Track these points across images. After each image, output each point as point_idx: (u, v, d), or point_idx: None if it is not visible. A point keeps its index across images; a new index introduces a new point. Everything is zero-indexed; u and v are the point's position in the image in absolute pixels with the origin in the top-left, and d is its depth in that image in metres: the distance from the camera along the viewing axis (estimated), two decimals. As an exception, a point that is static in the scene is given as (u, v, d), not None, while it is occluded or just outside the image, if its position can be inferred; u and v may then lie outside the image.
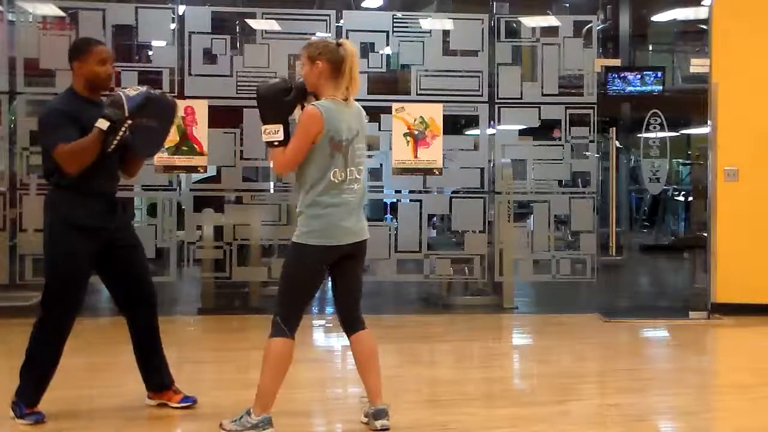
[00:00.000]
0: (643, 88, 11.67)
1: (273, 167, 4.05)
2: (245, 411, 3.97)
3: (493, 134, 8.29)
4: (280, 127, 3.92)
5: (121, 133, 4.03)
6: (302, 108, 4.02)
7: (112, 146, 4.05)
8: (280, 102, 3.97)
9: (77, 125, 4.08)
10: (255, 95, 4.02)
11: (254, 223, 7.82)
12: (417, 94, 7.94)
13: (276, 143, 3.93)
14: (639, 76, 11.87)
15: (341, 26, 7.92)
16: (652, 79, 11.81)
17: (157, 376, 4.51)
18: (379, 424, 4.09)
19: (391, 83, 9.37)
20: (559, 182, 8.27)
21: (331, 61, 3.97)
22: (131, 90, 4.10)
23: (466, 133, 10.58)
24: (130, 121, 4.02)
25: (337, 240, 3.97)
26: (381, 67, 8.02)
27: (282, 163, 3.98)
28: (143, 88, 4.13)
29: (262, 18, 7.91)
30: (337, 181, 3.95)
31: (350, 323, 4.20)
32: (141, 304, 4.41)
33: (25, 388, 4.23)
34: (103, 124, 4.00)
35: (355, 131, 4.02)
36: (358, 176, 4.04)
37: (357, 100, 8.36)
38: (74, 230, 4.15)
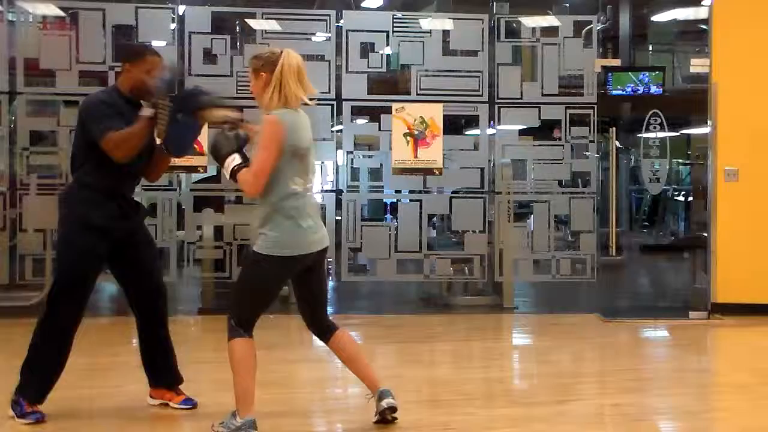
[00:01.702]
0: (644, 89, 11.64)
1: (245, 191, 4.04)
2: (231, 413, 3.97)
3: (493, 134, 8.30)
4: (234, 155, 3.94)
5: (167, 116, 4.08)
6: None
7: (163, 129, 4.09)
8: (223, 139, 4.03)
9: (120, 118, 4.12)
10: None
11: (254, 223, 7.80)
12: (417, 94, 7.95)
13: (236, 168, 3.92)
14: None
15: (341, 26, 7.92)
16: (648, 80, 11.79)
17: (167, 374, 4.50)
18: (384, 403, 4.09)
19: (391, 83, 9.37)
20: (559, 182, 8.28)
21: (275, 72, 3.99)
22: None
23: (466, 133, 10.58)
24: (166, 102, 4.08)
25: (298, 250, 3.95)
26: (381, 67, 8.03)
27: (250, 180, 3.89)
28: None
29: (262, 18, 7.92)
30: (300, 190, 3.94)
31: (322, 330, 4.20)
32: (150, 299, 4.42)
33: (26, 385, 4.21)
34: (147, 111, 4.08)
35: (310, 139, 4.02)
36: (311, 185, 4.06)
37: (358, 100, 8.34)
38: (87, 230, 4.17)
